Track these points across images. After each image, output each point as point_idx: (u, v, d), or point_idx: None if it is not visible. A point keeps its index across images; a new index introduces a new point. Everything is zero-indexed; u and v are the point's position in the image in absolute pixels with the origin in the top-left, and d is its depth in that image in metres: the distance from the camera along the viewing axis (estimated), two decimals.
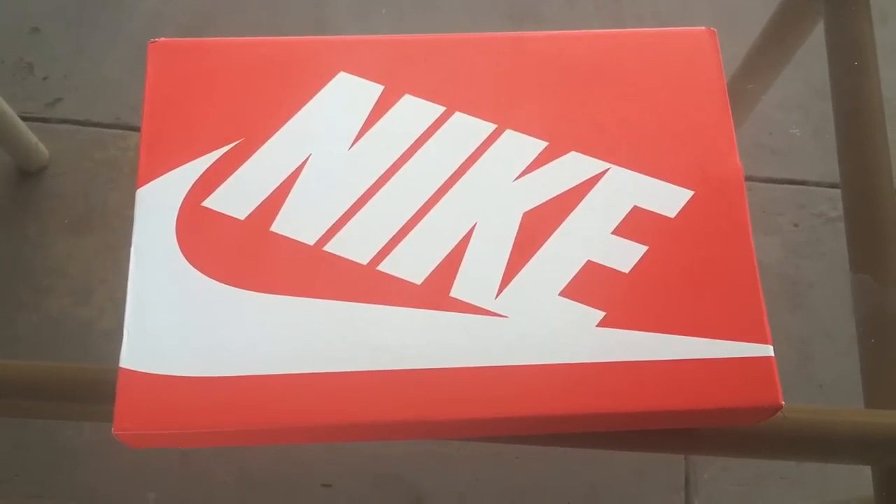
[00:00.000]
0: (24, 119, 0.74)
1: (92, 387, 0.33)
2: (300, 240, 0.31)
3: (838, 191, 0.42)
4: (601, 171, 0.32)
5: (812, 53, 0.63)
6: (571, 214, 0.31)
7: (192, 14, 0.83)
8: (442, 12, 0.84)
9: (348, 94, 0.33)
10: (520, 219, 0.31)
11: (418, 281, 0.31)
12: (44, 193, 0.78)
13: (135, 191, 0.32)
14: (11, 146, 0.74)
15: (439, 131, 0.33)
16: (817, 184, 0.79)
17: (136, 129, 0.80)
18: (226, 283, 0.30)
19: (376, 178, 0.32)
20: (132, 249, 0.31)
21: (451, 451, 0.65)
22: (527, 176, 0.32)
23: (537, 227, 0.31)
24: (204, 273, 0.31)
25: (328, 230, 0.31)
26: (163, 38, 0.34)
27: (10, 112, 0.71)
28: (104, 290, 0.74)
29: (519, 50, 0.34)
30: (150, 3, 0.84)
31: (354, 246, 0.31)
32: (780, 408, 0.29)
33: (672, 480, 0.66)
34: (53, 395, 0.35)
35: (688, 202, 0.32)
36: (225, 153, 0.32)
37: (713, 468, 0.66)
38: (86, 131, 0.80)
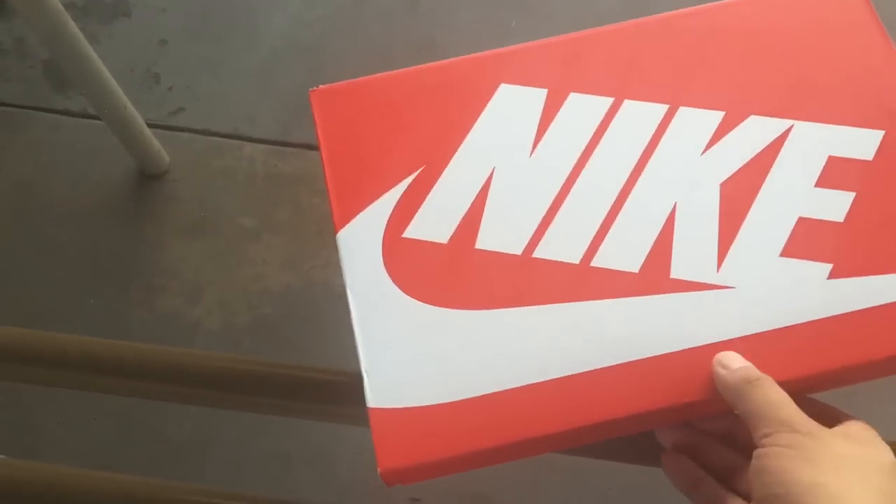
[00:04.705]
0: (149, 126, 0.77)
1: (335, 388, 0.33)
2: (507, 251, 0.31)
3: None
4: (785, 128, 0.32)
5: None
6: (769, 176, 0.31)
7: (311, 35, 0.84)
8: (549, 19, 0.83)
9: (514, 103, 0.34)
10: (718, 190, 0.31)
11: (635, 269, 0.30)
12: (163, 197, 0.80)
13: (334, 235, 0.32)
14: (136, 151, 0.77)
15: (614, 121, 0.33)
16: None
17: (252, 139, 0.81)
18: (445, 307, 0.30)
19: (565, 177, 0.32)
20: (348, 291, 0.31)
21: (541, 476, 0.64)
22: (713, 147, 0.32)
23: (738, 194, 0.31)
24: (422, 301, 0.30)
25: (532, 237, 0.31)
26: (322, 86, 0.34)
27: (138, 118, 0.74)
28: (212, 291, 0.75)
29: (671, 29, 0.34)
30: (273, 21, 0.86)
31: (563, 247, 0.31)
32: None
33: None
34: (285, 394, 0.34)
35: (882, 141, 0.31)
36: (411, 182, 0.32)
37: None
38: (205, 140, 0.82)
